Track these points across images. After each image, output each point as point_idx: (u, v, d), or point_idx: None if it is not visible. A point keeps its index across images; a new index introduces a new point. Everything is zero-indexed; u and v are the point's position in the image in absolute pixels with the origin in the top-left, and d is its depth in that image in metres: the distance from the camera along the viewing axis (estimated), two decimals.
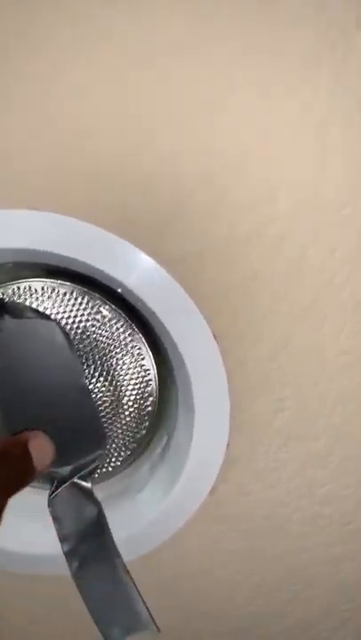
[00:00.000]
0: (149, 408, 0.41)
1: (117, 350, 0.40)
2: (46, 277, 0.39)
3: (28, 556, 0.39)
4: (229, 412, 0.36)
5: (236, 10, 0.41)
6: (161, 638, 0.36)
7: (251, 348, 0.43)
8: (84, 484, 0.36)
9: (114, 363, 0.40)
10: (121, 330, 0.40)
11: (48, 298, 0.39)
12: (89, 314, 0.39)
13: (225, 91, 0.42)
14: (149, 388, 0.41)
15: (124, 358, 0.40)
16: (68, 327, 0.39)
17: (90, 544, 0.35)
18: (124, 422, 0.41)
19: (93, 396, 0.40)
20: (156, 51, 0.41)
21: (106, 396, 0.40)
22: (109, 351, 0.40)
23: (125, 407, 0.41)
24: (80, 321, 0.39)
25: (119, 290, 0.35)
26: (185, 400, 0.38)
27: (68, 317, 0.39)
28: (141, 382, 0.41)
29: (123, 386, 0.40)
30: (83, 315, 0.39)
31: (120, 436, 0.41)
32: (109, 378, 0.40)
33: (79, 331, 0.39)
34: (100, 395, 0.40)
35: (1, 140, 0.42)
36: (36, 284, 0.39)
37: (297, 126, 0.42)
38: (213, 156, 0.42)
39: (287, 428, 0.44)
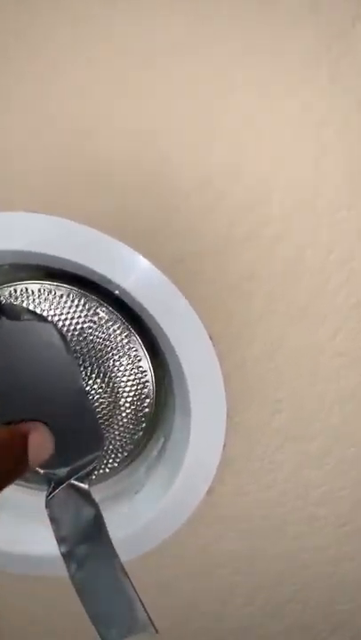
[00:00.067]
0: (146, 409, 0.41)
1: (114, 352, 0.40)
2: (43, 279, 0.39)
3: (25, 558, 0.39)
4: (226, 413, 0.36)
5: (235, 10, 0.41)
6: (158, 639, 0.36)
7: (247, 349, 0.43)
8: (81, 485, 0.37)
9: (111, 364, 0.40)
10: (118, 332, 0.40)
11: (45, 300, 0.39)
12: (86, 316, 0.39)
13: (224, 91, 0.42)
14: (146, 390, 0.41)
15: (121, 360, 0.40)
16: (65, 329, 0.39)
17: (88, 545, 0.35)
18: (121, 424, 0.41)
19: (90, 397, 0.40)
20: (156, 51, 0.41)
21: (103, 398, 0.40)
22: (106, 353, 0.40)
23: (122, 409, 0.41)
24: (77, 323, 0.39)
25: (116, 292, 0.35)
26: (182, 401, 0.38)
27: (65, 319, 0.39)
28: (138, 384, 0.41)
29: (120, 387, 0.40)
30: (80, 317, 0.39)
31: (117, 438, 0.41)
32: (106, 379, 0.40)
33: (76, 332, 0.39)
34: (98, 396, 0.40)
35: (1, 143, 0.42)
36: (33, 285, 0.39)
37: (295, 127, 0.42)
38: (212, 156, 0.42)
39: (284, 429, 0.45)
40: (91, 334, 0.39)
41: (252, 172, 0.42)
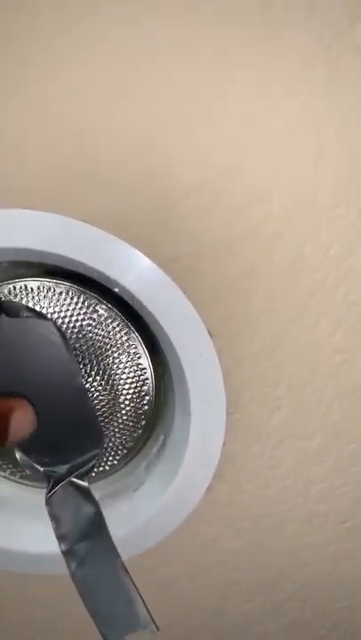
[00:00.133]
0: (146, 407, 0.41)
1: (114, 349, 0.40)
2: (42, 277, 0.39)
3: (25, 556, 0.39)
4: (226, 410, 0.36)
5: (234, 10, 0.41)
6: (159, 636, 0.36)
7: (247, 346, 0.43)
8: (81, 482, 0.37)
9: (110, 362, 0.40)
10: (117, 329, 0.40)
11: (44, 297, 0.39)
12: (85, 313, 0.39)
13: (223, 91, 0.42)
14: (146, 387, 0.41)
15: (121, 357, 0.40)
16: (65, 326, 0.39)
17: (88, 543, 0.35)
18: (120, 421, 0.41)
19: (90, 395, 0.40)
20: (155, 50, 0.41)
21: (102, 395, 0.40)
22: (106, 350, 0.40)
23: (122, 406, 0.41)
24: (76, 320, 0.39)
25: (116, 289, 0.35)
26: (181, 399, 0.38)
27: (65, 317, 0.39)
28: (138, 381, 0.41)
29: (119, 385, 0.40)
30: (79, 314, 0.39)
31: (117, 435, 0.41)
32: (106, 377, 0.40)
33: (75, 330, 0.39)
34: (97, 394, 0.40)
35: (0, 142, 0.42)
36: (32, 283, 0.39)
37: (294, 127, 0.42)
38: (210, 155, 0.42)
39: (283, 426, 0.45)
40: (90, 332, 0.39)
41: (250, 171, 0.42)
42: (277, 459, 0.45)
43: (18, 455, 0.37)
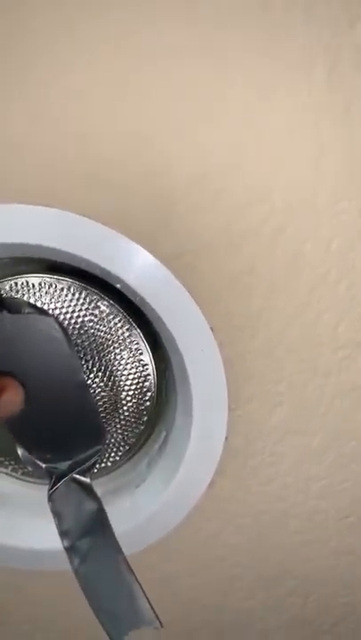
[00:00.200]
0: (148, 403, 0.41)
1: (115, 345, 0.40)
2: (44, 273, 0.39)
3: (27, 552, 0.39)
4: (227, 406, 0.36)
5: (234, 11, 0.41)
6: (160, 633, 0.36)
7: (248, 342, 0.44)
8: (83, 479, 0.37)
9: (112, 358, 0.40)
10: (119, 325, 0.40)
11: (46, 293, 0.39)
12: (87, 309, 0.39)
13: (223, 91, 0.42)
14: (148, 383, 0.41)
15: (123, 353, 0.40)
16: (66, 322, 0.39)
17: (91, 539, 0.35)
18: (122, 417, 0.41)
19: (92, 391, 0.40)
20: (155, 52, 0.41)
21: (104, 392, 0.40)
22: (107, 346, 0.40)
23: (124, 402, 0.41)
24: (78, 316, 0.39)
25: (118, 285, 0.35)
26: (183, 395, 0.38)
27: (66, 313, 0.39)
28: (140, 377, 0.41)
29: (121, 381, 0.40)
30: (81, 310, 0.39)
31: (119, 431, 0.41)
32: (107, 373, 0.40)
33: (77, 326, 0.39)
34: (99, 390, 0.40)
35: (2, 140, 0.42)
36: (34, 279, 0.39)
37: (293, 126, 0.42)
38: (211, 154, 0.42)
39: (285, 422, 0.45)
40: (92, 328, 0.39)
41: (250, 169, 0.42)
42: (279, 455, 0.45)
43: (20, 452, 0.37)
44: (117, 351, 0.40)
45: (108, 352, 0.40)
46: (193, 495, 0.38)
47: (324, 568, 0.48)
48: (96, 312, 0.39)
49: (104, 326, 0.39)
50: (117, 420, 0.41)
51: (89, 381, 0.39)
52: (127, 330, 0.40)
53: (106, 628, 0.34)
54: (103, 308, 0.39)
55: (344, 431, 0.45)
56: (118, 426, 0.41)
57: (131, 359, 0.40)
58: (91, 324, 0.39)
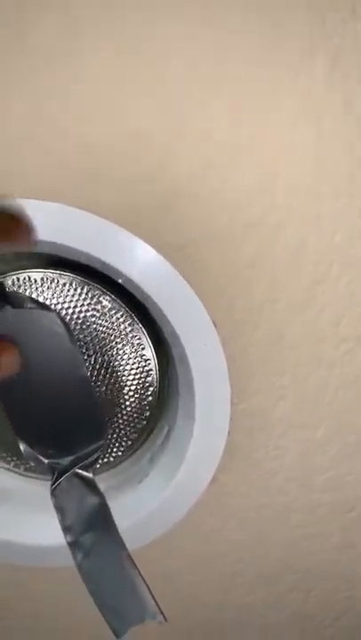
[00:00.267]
0: (150, 398, 0.41)
1: (118, 340, 0.40)
2: (46, 268, 0.39)
3: (30, 548, 0.39)
4: (230, 400, 0.36)
5: (234, 5, 0.41)
6: (162, 629, 0.36)
7: (251, 335, 0.43)
8: (85, 474, 0.36)
9: (114, 353, 0.40)
10: (121, 320, 0.40)
11: (48, 288, 0.39)
12: (89, 304, 0.39)
13: (223, 78, 0.42)
14: (150, 378, 0.41)
15: (125, 348, 0.40)
16: (68, 317, 0.39)
17: (93, 534, 0.35)
18: (124, 412, 0.41)
19: (94, 386, 0.40)
20: (153, 36, 0.41)
21: (106, 387, 0.40)
22: (110, 341, 0.40)
23: (126, 397, 0.41)
24: (80, 311, 0.39)
25: (120, 280, 0.35)
26: (186, 389, 0.38)
27: (68, 308, 0.39)
28: (142, 372, 0.41)
29: (123, 376, 0.40)
30: (83, 305, 0.39)
31: (121, 426, 0.41)
32: (110, 368, 0.40)
33: (79, 321, 0.39)
34: (101, 385, 0.40)
35: (3, 135, 0.42)
36: (36, 274, 0.39)
37: (295, 115, 0.42)
38: (211, 145, 0.42)
39: (288, 415, 0.45)
40: (94, 323, 0.39)
41: (251, 161, 0.42)
42: (282, 448, 0.45)
43: (22, 447, 0.36)
44: (119, 346, 0.40)
45: (111, 347, 0.40)
46: (195, 490, 0.38)
47: (326, 562, 0.48)
48: (98, 307, 0.39)
49: (106, 321, 0.39)
50: (120, 416, 0.41)
51: (91, 376, 0.39)
52: (129, 325, 0.40)
53: (109, 622, 0.34)
54: (105, 302, 0.39)
55: (347, 424, 0.45)
56: (120, 421, 0.41)
57: (133, 354, 0.40)
58: (93, 318, 0.39)
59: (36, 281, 0.39)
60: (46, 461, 0.36)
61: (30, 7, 0.41)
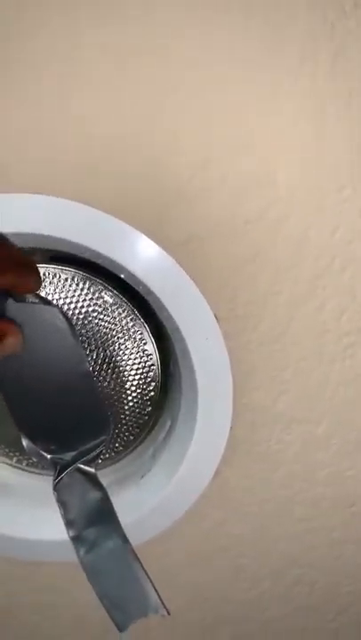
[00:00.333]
0: (152, 393, 0.41)
1: (119, 335, 0.40)
2: (48, 263, 0.39)
3: (32, 543, 0.39)
4: (233, 394, 0.36)
5: None
6: (165, 624, 0.36)
7: (253, 330, 0.43)
8: (87, 468, 0.36)
9: (116, 348, 0.40)
10: (123, 315, 0.40)
11: (50, 283, 0.39)
12: (91, 299, 0.39)
13: (225, 72, 0.41)
14: (152, 373, 0.41)
15: (127, 343, 0.40)
16: (70, 313, 0.39)
17: (96, 528, 0.35)
18: (127, 407, 0.41)
19: (96, 381, 0.40)
20: (155, 32, 0.41)
21: (108, 382, 0.40)
22: (112, 337, 0.40)
23: (128, 392, 0.41)
24: (82, 306, 0.39)
25: (122, 275, 0.35)
26: (188, 384, 0.38)
27: (70, 303, 0.39)
28: (144, 367, 0.41)
29: (125, 371, 0.40)
30: (85, 300, 0.39)
31: (123, 422, 0.41)
32: (112, 363, 0.40)
33: (81, 316, 0.39)
34: (103, 380, 0.40)
35: (4, 128, 0.42)
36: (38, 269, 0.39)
37: (296, 108, 0.42)
38: (213, 139, 0.42)
39: (290, 410, 0.45)
40: (95, 318, 0.39)
41: (253, 155, 0.42)
42: (284, 443, 0.45)
43: (24, 442, 0.36)
44: (121, 341, 0.40)
45: (113, 342, 0.40)
46: (198, 485, 0.38)
47: (330, 556, 0.48)
48: (100, 302, 0.39)
49: (108, 316, 0.39)
50: (122, 410, 0.41)
51: (93, 371, 0.39)
52: (131, 320, 0.40)
53: (112, 616, 0.34)
54: (107, 298, 0.39)
55: (349, 418, 0.45)
56: (123, 416, 0.41)
57: (135, 349, 0.40)
58: (95, 314, 0.39)
59: None
60: (49, 457, 0.36)
61: (30, 7, 0.41)
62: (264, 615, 0.50)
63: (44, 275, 0.39)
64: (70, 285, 0.39)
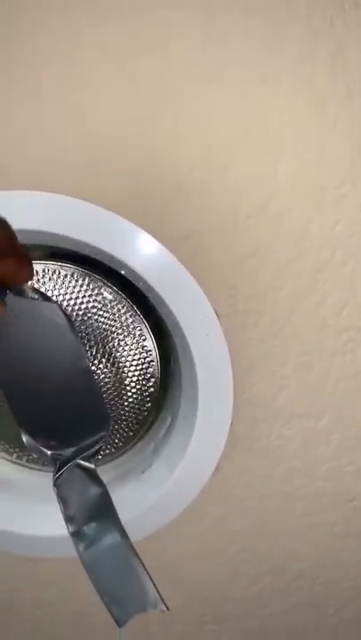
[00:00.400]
0: (152, 389, 0.41)
1: (119, 332, 0.40)
2: (47, 259, 0.39)
3: (32, 539, 0.39)
4: (233, 389, 0.36)
5: None
6: (165, 618, 0.36)
7: (253, 325, 0.43)
8: (87, 464, 0.36)
9: (116, 344, 0.40)
10: (122, 311, 0.40)
11: (49, 280, 0.39)
12: (90, 296, 0.39)
13: (225, 66, 0.41)
14: (151, 370, 0.41)
15: (126, 340, 0.40)
16: (70, 309, 0.39)
17: (96, 524, 0.35)
18: (127, 403, 0.41)
19: (96, 377, 0.40)
20: (155, 32, 0.41)
21: (108, 378, 0.40)
22: (111, 333, 0.40)
23: (128, 388, 0.41)
24: (81, 303, 0.39)
25: (122, 271, 0.35)
26: (188, 380, 0.38)
27: (70, 299, 0.39)
28: (143, 363, 0.41)
29: (125, 367, 0.40)
30: (84, 296, 0.39)
31: (123, 418, 0.41)
32: (111, 359, 0.40)
33: (80, 312, 0.39)
34: (103, 376, 0.40)
35: (4, 127, 0.42)
36: (37, 266, 0.39)
37: (296, 102, 0.42)
38: (213, 133, 0.42)
39: (290, 405, 0.45)
40: (95, 314, 0.39)
41: (253, 149, 0.42)
42: (285, 438, 0.45)
43: (24, 438, 0.36)
44: (121, 337, 0.40)
45: (112, 338, 0.40)
46: (198, 481, 0.38)
47: (331, 551, 0.48)
48: (99, 298, 0.39)
49: (107, 313, 0.39)
50: (122, 407, 0.41)
51: (93, 368, 0.39)
52: (130, 316, 0.40)
53: (111, 612, 0.34)
54: (106, 294, 0.39)
55: (349, 413, 0.45)
56: (123, 412, 0.41)
57: (134, 345, 0.40)
58: (94, 310, 0.39)
59: (37, 272, 0.39)
60: (49, 452, 0.36)
61: (30, 7, 0.42)
62: (265, 611, 0.50)
63: (44, 271, 0.39)
64: (70, 282, 0.39)
